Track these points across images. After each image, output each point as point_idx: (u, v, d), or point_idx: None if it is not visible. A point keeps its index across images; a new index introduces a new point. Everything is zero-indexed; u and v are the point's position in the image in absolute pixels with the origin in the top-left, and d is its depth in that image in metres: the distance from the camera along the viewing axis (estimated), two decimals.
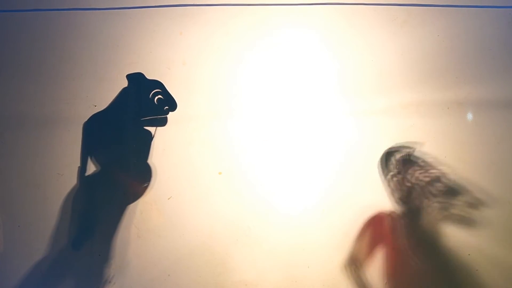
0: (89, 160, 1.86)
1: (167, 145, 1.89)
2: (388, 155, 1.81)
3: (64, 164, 1.88)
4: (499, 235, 1.81)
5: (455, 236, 1.79)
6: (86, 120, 1.88)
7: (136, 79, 1.87)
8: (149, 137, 1.85)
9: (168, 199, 1.87)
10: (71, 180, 1.88)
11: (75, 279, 1.85)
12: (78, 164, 1.88)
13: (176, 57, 1.90)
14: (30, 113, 1.90)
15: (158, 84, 1.87)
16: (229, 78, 1.89)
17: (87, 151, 1.86)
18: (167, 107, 1.85)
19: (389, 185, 1.80)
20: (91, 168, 1.87)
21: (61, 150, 1.89)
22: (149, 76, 1.90)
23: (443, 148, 1.84)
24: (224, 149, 1.88)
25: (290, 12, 1.90)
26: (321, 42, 1.89)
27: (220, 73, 1.90)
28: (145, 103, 1.87)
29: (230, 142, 1.88)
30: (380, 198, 1.82)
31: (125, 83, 1.90)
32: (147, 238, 1.86)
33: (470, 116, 1.86)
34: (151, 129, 1.86)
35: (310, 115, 1.87)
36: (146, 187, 1.85)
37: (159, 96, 1.84)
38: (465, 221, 1.77)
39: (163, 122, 1.86)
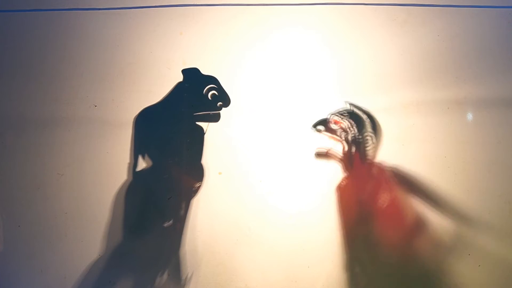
0: (140, 156, 1.86)
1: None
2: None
3: (64, 164, 1.88)
4: (499, 235, 1.81)
5: (454, 236, 1.79)
6: (137, 114, 1.88)
7: (191, 74, 1.86)
8: (202, 133, 1.84)
9: (168, 199, 1.87)
10: (71, 180, 1.88)
11: (75, 279, 1.85)
12: (78, 164, 1.88)
13: (176, 57, 1.90)
14: (30, 113, 1.90)
15: (213, 80, 1.87)
16: (229, 78, 1.89)
17: (138, 147, 1.86)
18: (220, 103, 1.85)
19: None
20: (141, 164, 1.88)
21: (61, 150, 1.89)
22: (149, 76, 1.90)
23: (443, 148, 1.84)
24: (224, 149, 1.88)
25: (290, 12, 1.90)
26: (321, 42, 1.89)
27: (220, 73, 1.90)
28: (199, 98, 1.86)
29: (230, 142, 1.88)
30: None
31: (124, 83, 1.90)
32: (148, 238, 1.86)
33: (470, 116, 1.86)
34: (203, 124, 1.85)
35: (310, 115, 1.87)
36: (198, 187, 1.84)
37: (214, 91, 1.83)
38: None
39: (216, 118, 1.85)
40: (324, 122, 1.80)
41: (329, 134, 1.80)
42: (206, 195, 1.86)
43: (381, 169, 1.77)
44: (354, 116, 1.80)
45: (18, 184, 1.88)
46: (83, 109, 1.90)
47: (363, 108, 1.82)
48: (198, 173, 1.85)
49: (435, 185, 1.82)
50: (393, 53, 1.87)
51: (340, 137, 1.79)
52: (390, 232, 1.73)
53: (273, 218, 1.86)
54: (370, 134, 1.77)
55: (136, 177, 1.86)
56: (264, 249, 1.85)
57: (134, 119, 1.87)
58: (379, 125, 1.81)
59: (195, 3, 1.91)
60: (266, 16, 1.90)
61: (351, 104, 1.81)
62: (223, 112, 1.89)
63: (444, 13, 1.88)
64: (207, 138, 1.88)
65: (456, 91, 1.86)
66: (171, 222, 1.83)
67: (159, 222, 1.86)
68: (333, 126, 1.77)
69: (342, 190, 1.80)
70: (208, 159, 1.88)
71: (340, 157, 1.79)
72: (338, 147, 1.82)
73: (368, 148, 1.79)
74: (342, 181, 1.81)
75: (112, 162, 1.88)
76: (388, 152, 1.84)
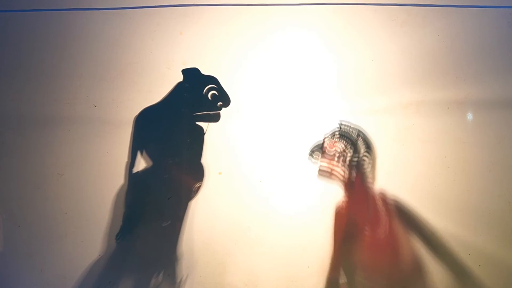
0: (138, 155, 1.86)
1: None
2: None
3: (64, 164, 1.88)
4: (499, 235, 1.81)
5: (454, 236, 1.79)
6: (137, 114, 1.88)
7: (191, 74, 1.86)
8: (202, 133, 1.84)
9: (168, 199, 1.87)
10: (71, 180, 1.88)
11: (75, 279, 1.85)
12: (78, 164, 1.88)
13: (176, 57, 1.90)
14: (30, 113, 1.90)
15: (212, 80, 1.87)
16: (229, 78, 1.89)
17: (137, 146, 1.86)
18: (220, 103, 1.85)
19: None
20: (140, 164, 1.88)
21: (61, 150, 1.89)
22: (149, 76, 1.90)
23: (443, 148, 1.84)
24: (224, 149, 1.88)
25: (290, 12, 1.90)
26: (321, 42, 1.89)
27: (220, 73, 1.90)
28: (199, 98, 1.86)
29: (230, 142, 1.88)
30: None
31: (124, 83, 1.90)
32: (147, 238, 1.86)
33: (470, 116, 1.86)
34: (203, 124, 1.85)
35: (310, 115, 1.87)
36: (199, 187, 1.84)
37: (214, 91, 1.83)
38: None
39: (216, 118, 1.85)
40: (319, 148, 1.77)
41: (327, 161, 1.76)
42: (206, 195, 1.87)
43: (383, 197, 1.74)
44: (346, 135, 1.77)
45: (18, 184, 1.88)
46: (83, 109, 1.90)
47: (354, 126, 1.78)
48: (198, 173, 1.85)
49: (434, 186, 1.82)
50: (393, 53, 1.87)
51: (338, 161, 1.76)
52: (381, 265, 1.68)
53: (273, 218, 1.86)
54: (366, 153, 1.75)
55: (134, 176, 1.86)
56: (264, 249, 1.85)
57: (134, 119, 1.88)
58: (371, 141, 1.79)
59: (195, 3, 1.91)
60: (266, 16, 1.90)
61: (340, 123, 1.78)
62: (223, 112, 1.89)
63: (444, 13, 1.88)
64: (207, 138, 1.88)
65: (456, 91, 1.86)
66: (169, 222, 1.84)
67: (159, 222, 1.86)
68: (329, 151, 1.74)
69: (340, 213, 1.78)
70: (208, 159, 1.88)
71: (342, 179, 1.77)
72: (338, 171, 1.79)
73: (366, 169, 1.76)
74: (341, 203, 1.78)
75: (112, 162, 1.88)
76: (388, 152, 1.84)
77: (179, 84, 1.89)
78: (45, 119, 1.90)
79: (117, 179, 1.87)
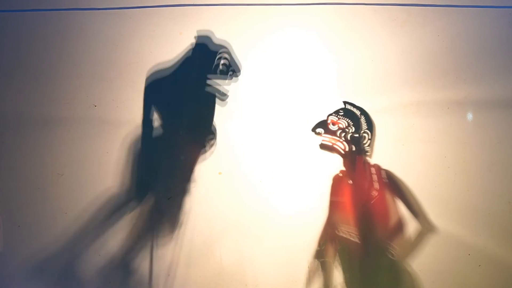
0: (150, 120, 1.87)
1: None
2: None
3: (64, 164, 1.89)
4: (499, 235, 1.81)
5: (455, 236, 1.80)
6: (148, 77, 1.88)
7: (204, 39, 1.87)
8: (213, 99, 1.86)
9: (168, 199, 1.87)
10: (71, 180, 1.88)
11: (75, 279, 1.85)
12: (78, 164, 1.88)
13: (176, 57, 1.90)
14: (30, 113, 1.90)
15: (224, 48, 1.87)
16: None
17: (148, 111, 1.87)
18: (231, 72, 1.86)
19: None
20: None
21: (61, 150, 1.89)
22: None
23: (443, 148, 1.84)
24: (224, 149, 1.88)
25: (290, 12, 1.90)
26: (321, 42, 1.89)
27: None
28: (210, 65, 1.87)
29: (230, 143, 1.88)
30: None
31: (124, 83, 1.90)
32: (147, 238, 1.86)
33: (470, 116, 1.86)
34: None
35: (310, 115, 1.87)
36: (206, 152, 1.86)
37: (225, 60, 1.84)
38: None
39: (224, 98, 1.87)
40: (322, 124, 1.83)
41: (329, 136, 1.82)
42: (206, 195, 1.87)
43: (377, 169, 1.82)
44: (350, 114, 1.84)
45: (18, 184, 1.89)
46: (83, 109, 1.90)
47: (357, 105, 1.85)
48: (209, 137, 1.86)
49: (434, 186, 1.82)
50: (393, 53, 1.87)
51: (340, 137, 1.82)
52: (373, 224, 1.80)
53: (273, 218, 1.86)
54: (366, 130, 1.83)
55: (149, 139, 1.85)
56: (264, 249, 1.86)
57: (145, 84, 1.88)
58: (372, 120, 1.84)
59: (194, 3, 1.91)
60: (266, 16, 1.90)
61: (345, 102, 1.85)
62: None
63: (444, 13, 1.88)
64: None
65: (456, 91, 1.86)
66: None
67: (159, 222, 1.86)
68: (332, 127, 1.82)
69: (337, 179, 1.85)
70: (208, 159, 1.88)
71: (342, 153, 1.83)
72: (339, 146, 1.84)
73: (365, 144, 1.83)
74: (339, 172, 1.84)
75: (112, 162, 1.88)
76: (388, 152, 1.84)
77: (191, 49, 1.88)
78: (45, 119, 1.90)
79: (117, 179, 1.87)
